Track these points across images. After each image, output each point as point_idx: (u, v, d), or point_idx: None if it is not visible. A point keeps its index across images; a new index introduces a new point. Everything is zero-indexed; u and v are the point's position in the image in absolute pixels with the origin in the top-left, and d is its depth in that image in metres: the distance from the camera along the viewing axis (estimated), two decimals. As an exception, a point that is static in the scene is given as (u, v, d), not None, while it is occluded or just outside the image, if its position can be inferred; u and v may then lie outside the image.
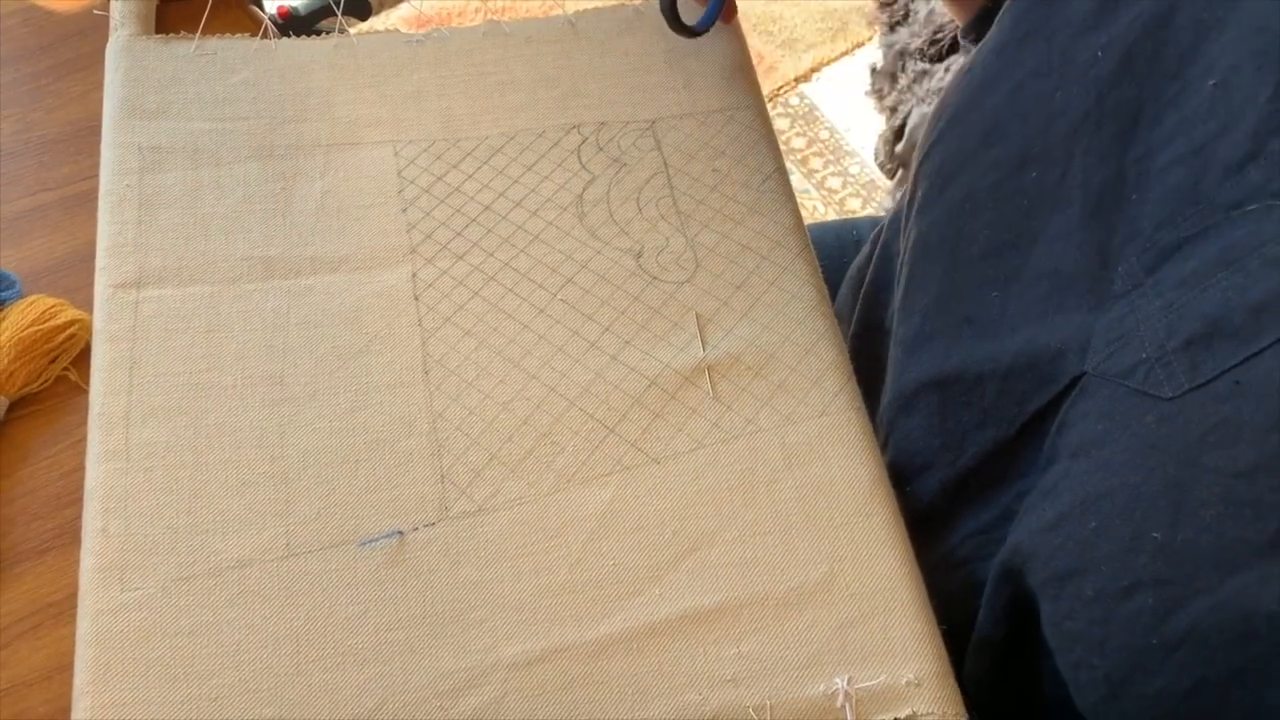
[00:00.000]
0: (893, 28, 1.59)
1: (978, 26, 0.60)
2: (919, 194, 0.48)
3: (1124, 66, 0.38)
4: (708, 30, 0.56)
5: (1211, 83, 0.35)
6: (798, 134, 1.72)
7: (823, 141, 1.71)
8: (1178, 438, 0.33)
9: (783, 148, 1.74)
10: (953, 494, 0.46)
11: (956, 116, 0.46)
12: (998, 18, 0.45)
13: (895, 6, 1.60)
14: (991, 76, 0.44)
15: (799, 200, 1.72)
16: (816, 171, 1.67)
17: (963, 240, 0.44)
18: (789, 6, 1.85)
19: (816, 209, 1.63)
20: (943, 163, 0.46)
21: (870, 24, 1.79)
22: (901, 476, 0.47)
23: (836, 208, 1.62)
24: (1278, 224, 0.32)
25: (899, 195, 0.54)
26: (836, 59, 1.79)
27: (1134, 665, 0.34)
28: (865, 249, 0.67)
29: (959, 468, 0.45)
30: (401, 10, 1.69)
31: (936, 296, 0.46)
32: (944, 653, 0.43)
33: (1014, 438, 0.41)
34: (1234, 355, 0.32)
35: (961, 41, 0.63)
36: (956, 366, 0.44)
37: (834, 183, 1.66)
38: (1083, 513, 0.36)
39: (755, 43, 1.79)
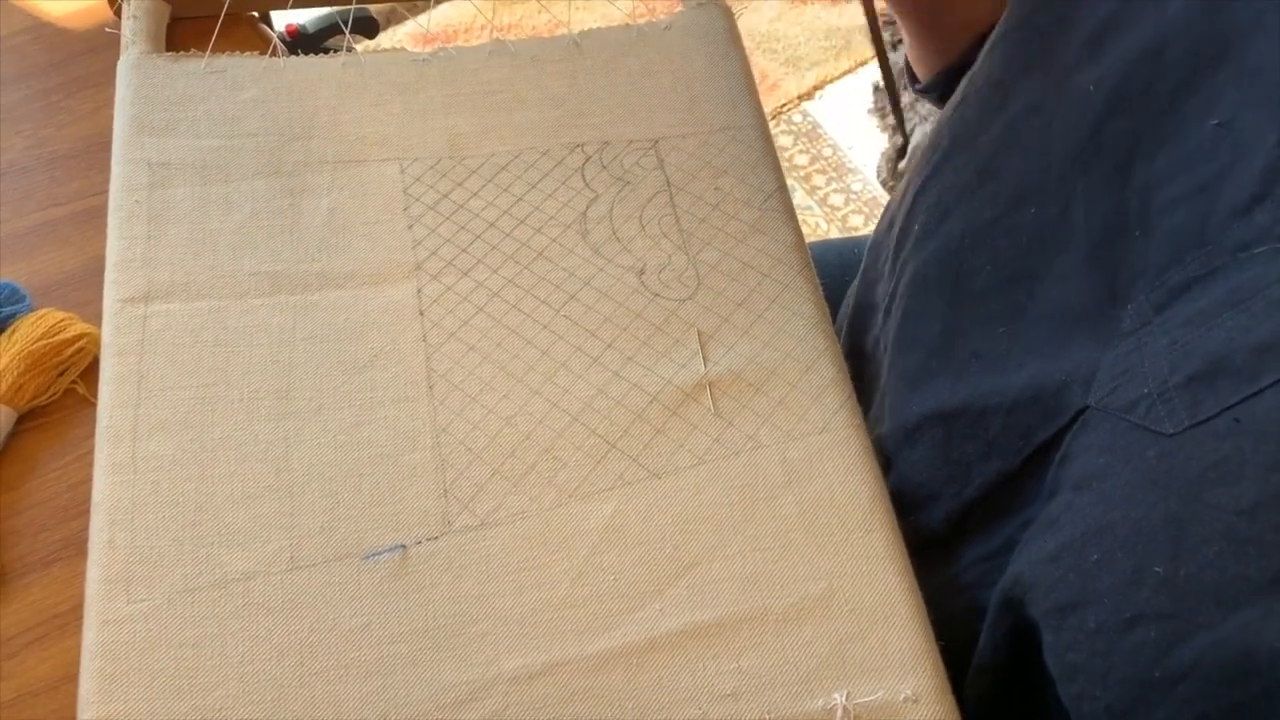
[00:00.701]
0: (894, 46, 1.60)
1: (942, 85, 0.60)
2: (915, 228, 0.48)
3: (1117, 101, 0.38)
4: None
5: (1214, 122, 0.35)
6: (801, 151, 1.73)
7: (825, 159, 1.71)
8: (1179, 474, 0.33)
9: (786, 165, 1.75)
10: (957, 523, 0.46)
11: (950, 151, 0.46)
12: (985, 53, 0.46)
13: (897, 26, 1.61)
14: (984, 112, 0.45)
15: (802, 217, 1.73)
16: (819, 188, 1.68)
17: (963, 276, 0.45)
18: (792, 25, 1.86)
19: (819, 226, 1.63)
20: (939, 198, 0.47)
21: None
22: (906, 506, 0.48)
23: (839, 225, 1.63)
24: None
25: (883, 219, 0.54)
26: (839, 77, 1.80)
27: (1136, 698, 0.34)
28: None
29: (964, 499, 0.45)
30: (407, 27, 1.70)
31: (940, 332, 0.46)
32: (942, 669, 0.43)
33: (1019, 469, 0.42)
34: (1235, 393, 0.32)
35: (918, 96, 0.63)
36: (962, 400, 0.44)
37: (836, 200, 1.67)
38: (1084, 545, 0.36)
39: (759, 60, 1.80)
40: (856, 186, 1.68)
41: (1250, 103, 0.34)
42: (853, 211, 1.65)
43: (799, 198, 1.67)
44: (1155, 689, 0.33)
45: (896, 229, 0.52)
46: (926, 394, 0.46)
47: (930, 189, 0.47)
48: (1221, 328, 0.33)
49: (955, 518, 0.46)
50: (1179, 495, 0.33)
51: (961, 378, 0.44)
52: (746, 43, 1.97)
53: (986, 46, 0.46)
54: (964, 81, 0.47)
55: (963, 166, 0.45)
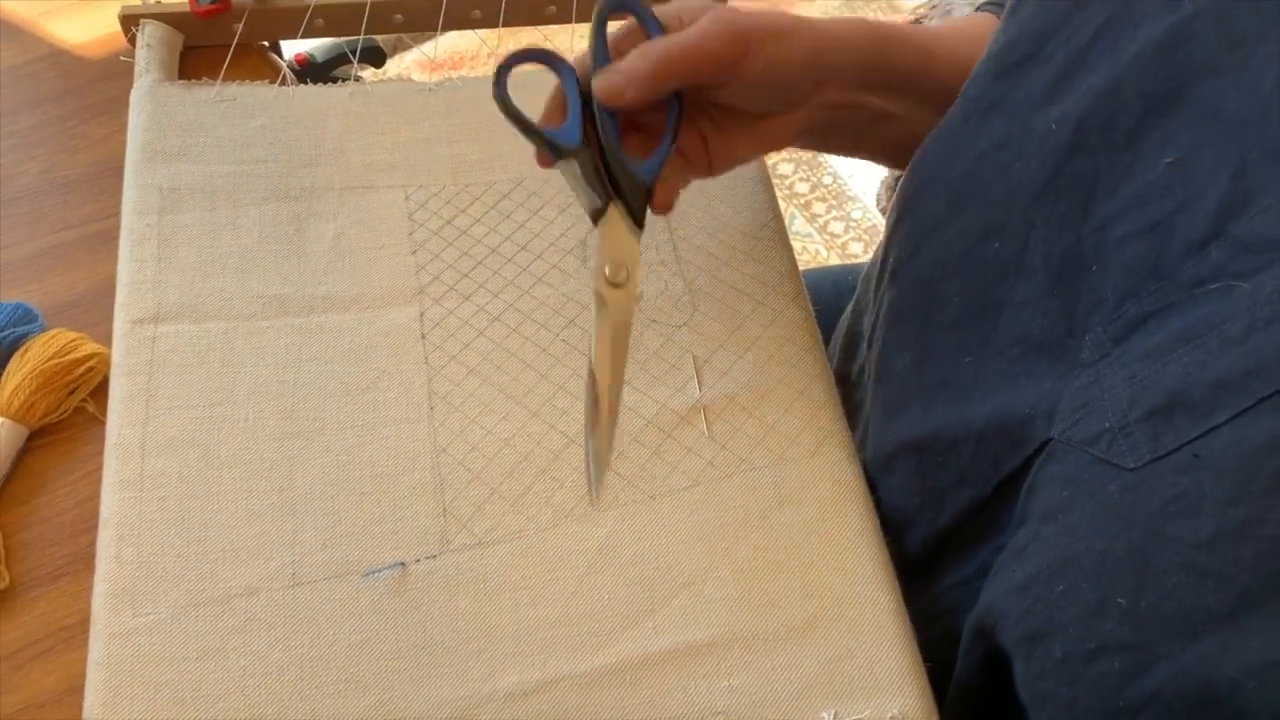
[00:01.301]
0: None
1: None
2: (891, 260, 0.50)
3: (1077, 139, 0.40)
4: (648, 185, 0.47)
5: (1167, 160, 0.36)
6: (801, 179, 1.75)
7: (825, 187, 1.73)
8: (1141, 507, 0.34)
9: (786, 192, 1.77)
10: (934, 549, 0.47)
11: (924, 185, 0.47)
12: (963, 89, 0.47)
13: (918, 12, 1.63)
14: (956, 147, 0.46)
15: (802, 244, 1.73)
16: (819, 216, 1.69)
17: (934, 307, 0.46)
18: (794, 54, 1.89)
19: (819, 253, 1.65)
20: (912, 230, 0.48)
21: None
22: (886, 532, 0.49)
23: (838, 252, 1.65)
24: (1237, 304, 0.33)
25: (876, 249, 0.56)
26: (840, 106, 1.82)
27: None
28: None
29: (939, 525, 0.46)
30: (414, 55, 1.73)
31: (912, 361, 0.47)
32: (928, 688, 0.44)
33: (991, 497, 0.43)
34: (1194, 429, 0.33)
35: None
36: (932, 429, 0.45)
37: (836, 227, 1.68)
38: (1050, 576, 0.37)
39: (760, 89, 1.82)
40: (856, 214, 1.69)
41: (1203, 143, 0.36)
42: (852, 239, 1.67)
43: (799, 225, 1.68)
44: (1119, 718, 0.34)
45: (878, 260, 0.53)
46: (900, 423, 0.47)
47: (905, 222, 0.48)
48: (1178, 363, 0.34)
49: (932, 544, 0.47)
50: (1141, 528, 0.34)
51: (932, 407, 0.45)
52: (748, 72, 1.98)
53: (964, 86, 0.47)
54: (943, 119, 0.48)
55: (934, 200, 0.46)
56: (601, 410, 0.45)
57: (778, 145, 0.52)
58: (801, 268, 0.59)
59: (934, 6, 1.70)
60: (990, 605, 0.41)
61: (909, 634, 0.45)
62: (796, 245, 1.66)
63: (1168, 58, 0.37)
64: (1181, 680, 0.32)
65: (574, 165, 0.46)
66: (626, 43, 0.48)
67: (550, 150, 0.46)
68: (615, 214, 0.46)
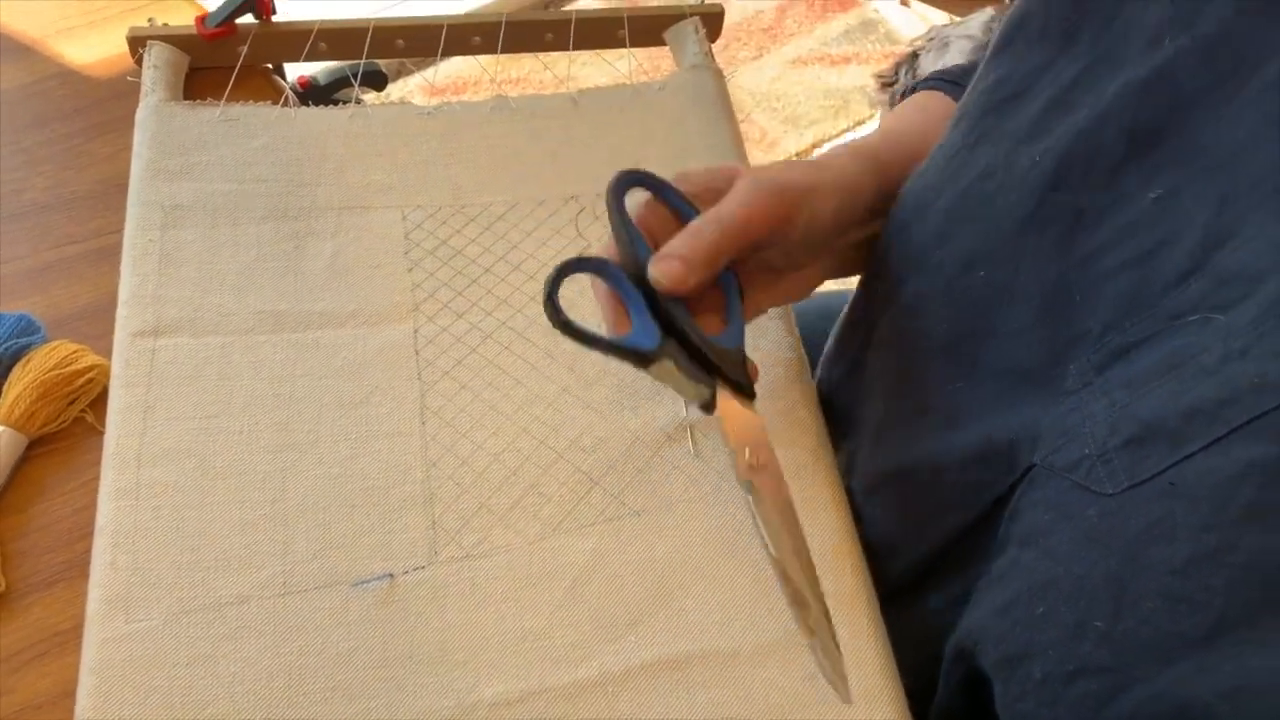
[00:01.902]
0: (892, 107, 1.64)
1: None
2: (880, 288, 0.51)
3: (1060, 173, 0.41)
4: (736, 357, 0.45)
5: (1152, 196, 0.38)
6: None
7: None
8: (1118, 533, 0.35)
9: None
10: (921, 573, 0.48)
11: (912, 214, 0.49)
12: (951, 124, 0.48)
13: (895, 87, 1.66)
14: (944, 179, 0.47)
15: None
16: (816, 243, 1.71)
17: (921, 335, 0.46)
18: (792, 85, 1.91)
19: (815, 279, 1.66)
20: (900, 258, 0.49)
21: (871, 105, 1.85)
22: (871, 556, 0.49)
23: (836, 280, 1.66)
24: (1213, 335, 0.34)
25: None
26: (838, 135, 1.85)
27: None
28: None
29: (925, 550, 0.47)
30: (416, 80, 1.75)
31: (898, 388, 0.48)
32: (905, 706, 0.45)
33: (975, 523, 0.43)
34: (1169, 457, 0.34)
35: None
36: (917, 456, 0.46)
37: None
38: (1030, 599, 0.38)
39: (759, 118, 1.85)
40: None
41: (1186, 179, 0.37)
42: (848, 266, 1.68)
43: (796, 251, 1.70)
44: None
45: (866, 288, 0.54)
46: (887, 449, 0.48)
47: (893, 250, 0.50)
48: (1157, 392, 0.35)
49: (919, 567, 0.48)
50: (1118, 554, 0.35)
51: (918, 433, 0.46)
52: (748, 100, 2.01)
53: (951, 120, 0.48)
54: (932, 151, 0.49)
55: (922, 230, 0.47)
56: (812, 610, 0.43)
57: (802, 296, 0.52)
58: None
59: (931, 39, 1.73)
60: (970, 628, 0.41)
61: (888, 654, 0.46)
62: (793, 272, 1.67)
63: (1151, 96, 0.38)
64: (1157, 703, 0.33)
65: (667, 364, 0.44)
66: (653, 221, 0.46)
67: (635, 360, 0.44)
68: (725, 396, 0.45)
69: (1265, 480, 0.31)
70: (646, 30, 0.70)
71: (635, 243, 0.44)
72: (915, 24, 2.02)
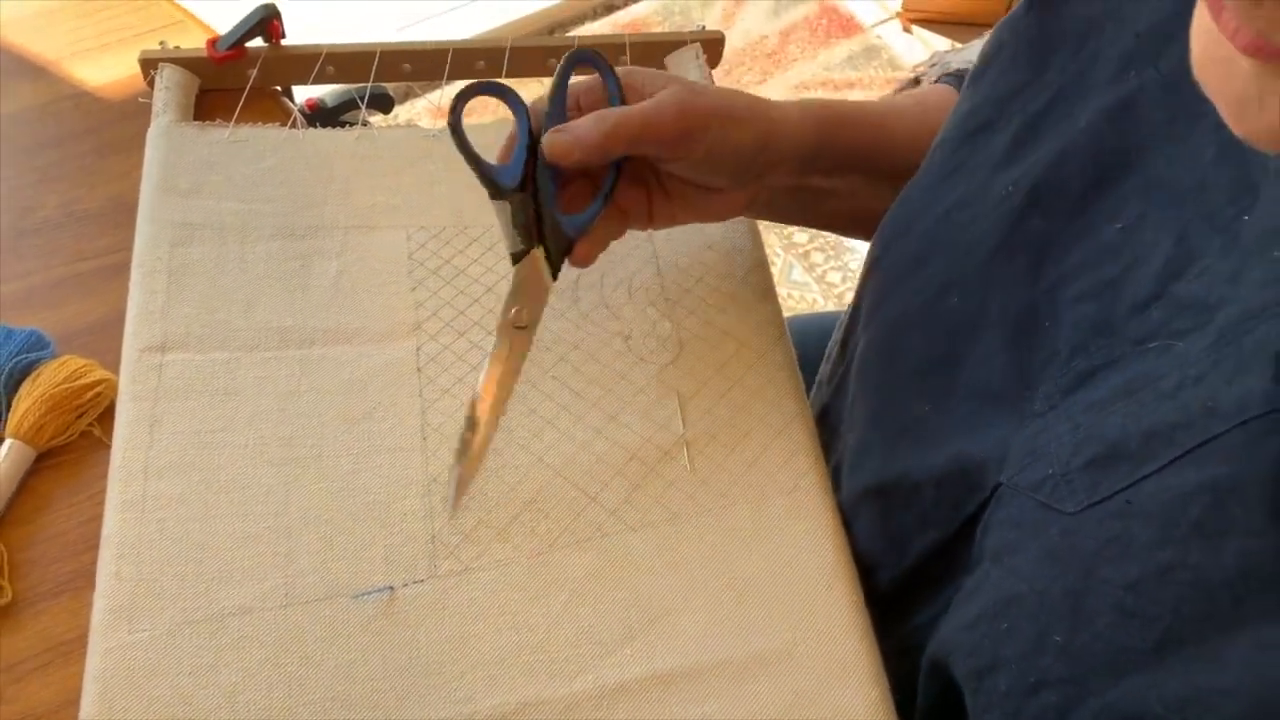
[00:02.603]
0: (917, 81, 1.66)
1: None
2: (863, 310, 0.52)
3: (1030, 202, 0.42)
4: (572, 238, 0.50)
5: (1118, 225, 0.39)
6: (800, 229, 1.78)
7: (824, 237, 1.76)
8: (1078, 550, 0.36)
9: (786, 242, 1.79)
10: (903, 588, 0.49)
11: (893, 240, 0.50)
12: (930, 151, 0.50)
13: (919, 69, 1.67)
14: (923, 205, 0.48)
15: (800, 294, 1.76)
16: (818, 265, 1.72)
17: (898, 356, 0.48)
18: (795, 108, 1.93)
19: (816, 301, 1.67)
20: (880, 282, 0.50)
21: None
22: (857, 570, 0.50)
23: (835, 301, 1.67)
24: (1171, 362, 0.35)
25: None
26: (840, 159, 1.86)
27: None
28: None
29: (905, 566, 0.48)
30: (424, 102, 1.77)
31: (876, 408, 0.49)
32: (894, 713, 0.45)
33: (952, 539, 0.45)
34: (1127, 477, 0.35)
35: None
36: (895, 474, 0.47)
37: (834, 277, 1.71)
38: (996, 614, 0.39)
39: (762, 141, 1.86)
40: (854, 265, 1.72)
41: (1149, 209, 0.38)
42: (849, 289, 1.69)
43: (798, 274, 1.71)
44: None
45: (852, 309, 0.55)
46: (867, 467, 0.49)
47: (875, 274, 0.51)
48: (1118, 414, 0.36)
49: (900, 583, 0.49)
50: (1076, 570, 0.36)
51: (896, 452, 0.47)
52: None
53: (934, 144, 0.50)
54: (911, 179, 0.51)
55: (901, 254, 0.48)
56: (476, 439, 0.48)
57: (720, 217, 0.55)
58: (797, 315, 0.61)
59: (933, 65, 1.74)
60: (943, 641, 0.42)
61: (879, 669, 0.46)
62: (795, 294, 1.68)
63: (1116, 128, 0.40)
64: (1111, 714, 0.34)
65: (507, 206, 0.48)
66: (586, 98, 0.51)
67: (489, 187, 0.49)
68: (534, 260, 0.49)
69: (1213, 501, 0.32)
70: (648, 56, 0.72)
71: (555, 106, 0.50)
72: (917, 50, 2.04)
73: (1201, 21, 0.25)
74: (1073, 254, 0.40)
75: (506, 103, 0.50)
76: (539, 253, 0.49)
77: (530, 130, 0.49)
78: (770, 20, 2.09)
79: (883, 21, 2.10)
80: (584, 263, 0.51)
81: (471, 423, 0.49)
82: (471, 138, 0.49)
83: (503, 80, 0.52)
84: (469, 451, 0.49)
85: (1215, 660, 0.32)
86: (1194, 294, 0.36)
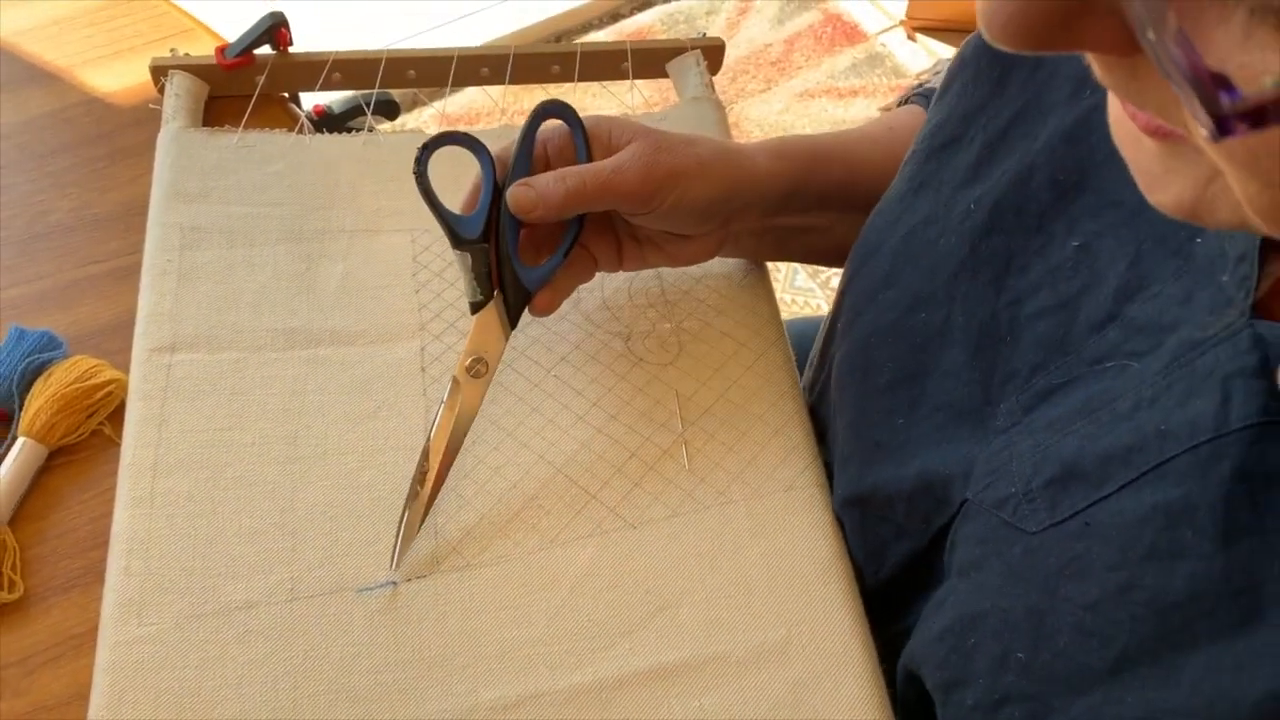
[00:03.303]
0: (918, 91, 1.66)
1: None
2: (838, 325, 0.53)
3: (993, 219, 0.43)
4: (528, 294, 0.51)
5: (1075, 244, 0.39)
6: (805, 235, 1.78)
7: (829, 243, 1.77)
8: (1039, 569, 0.37)
9: (789, 248, 1.79)
10: (882, 596, 0.50)
11: (866, 256, 0.50)
12: (900, 168, 0.50)
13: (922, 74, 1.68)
14: (891, 222, 0.49)
15: (804, 299, 1.76)
16: (821, 271, 1.73)
17: (870, 371, 0.48)
18: (800, 116, 1.94)
19: (821, 307, 1.68)
20: (854, 298, 0.51)
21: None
22: None
23: (840, 307, 1.68)
24: (1128, 381, 0.36)
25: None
26: (844, 166, 1.86)
27: None
28: None
29: (883, 575, 0.49)
30: (430, 110, 1.78)
31: (852, 420, 0.50)
32: (890, 712, 0.46)
33: (927, 549, 0.45)
34: (1086, 498, 0.36)
35: None
36: (870, 486, 0.48)
37: (837, 283, 1.72)
38: (963, 629, 0.40)
39: (767, 148, 1.87)
40: (858, 271, 1.73)
41: (1105, 228, 0.39)
42: (854, 295, 1.70)
43: (801, 280, 1.72)
44: None
45: (829, 321, 0.56)
46: (846, 478, 0.50)
47: (851, 289, 0.51)
48: (1076, 434, 0.37)
49: (879, 591, 0.49)
50: (1038, 589, 0.37)
51: (870, 464, 0.48)
52: (755, 132, 2.03)
53: (904, 160, 0.50)
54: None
55: (873, 271, 0.49)
56: (425, 487, 0.48)
57: (691, 261, 0.56)
58: (796, 318, 0.62)
59: (937, 73, 1.75)
60: (914, 650, 0.43)
61: (873, 661, 0.47)
62: (799, 299, 1.69)
63: (1073, 147, 0.40)
64: None
65: (467, 258, 0.49)
66: (552, 146, 0.51)
67: (450, 237, 0.49)
68: (492, 311, 0.50)
69: (1167, 523, 0.33)
70: (649, 63, 0.73)
71: (521, 159, 0.50)
72: (921, 58, 2.05)
73: (1113, 97, 0.26)
74: (1033, 270, 0.41)
75: (473, 152, 0.51)
76: (497, 305, 0.50)
77: (495, 181, 0.50)
78: (774, 28, 2.10)
79: (887, 29, 2.11)
80: (545, 312, 0.51)
81: (422, 470, 0.49)
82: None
83: (470, 130, 0.52)
84: (418, 499, 0.49)
85: (1169, 680, 0.32)
86: (1148, 315, 0.36)
